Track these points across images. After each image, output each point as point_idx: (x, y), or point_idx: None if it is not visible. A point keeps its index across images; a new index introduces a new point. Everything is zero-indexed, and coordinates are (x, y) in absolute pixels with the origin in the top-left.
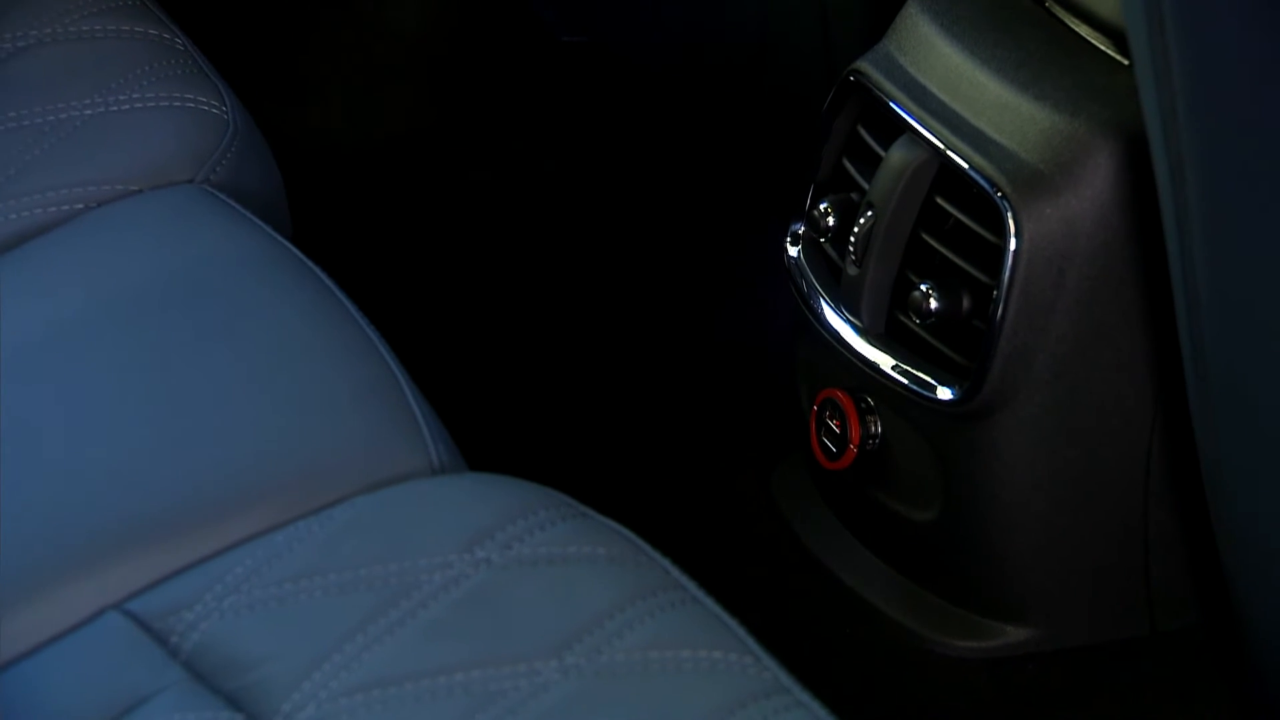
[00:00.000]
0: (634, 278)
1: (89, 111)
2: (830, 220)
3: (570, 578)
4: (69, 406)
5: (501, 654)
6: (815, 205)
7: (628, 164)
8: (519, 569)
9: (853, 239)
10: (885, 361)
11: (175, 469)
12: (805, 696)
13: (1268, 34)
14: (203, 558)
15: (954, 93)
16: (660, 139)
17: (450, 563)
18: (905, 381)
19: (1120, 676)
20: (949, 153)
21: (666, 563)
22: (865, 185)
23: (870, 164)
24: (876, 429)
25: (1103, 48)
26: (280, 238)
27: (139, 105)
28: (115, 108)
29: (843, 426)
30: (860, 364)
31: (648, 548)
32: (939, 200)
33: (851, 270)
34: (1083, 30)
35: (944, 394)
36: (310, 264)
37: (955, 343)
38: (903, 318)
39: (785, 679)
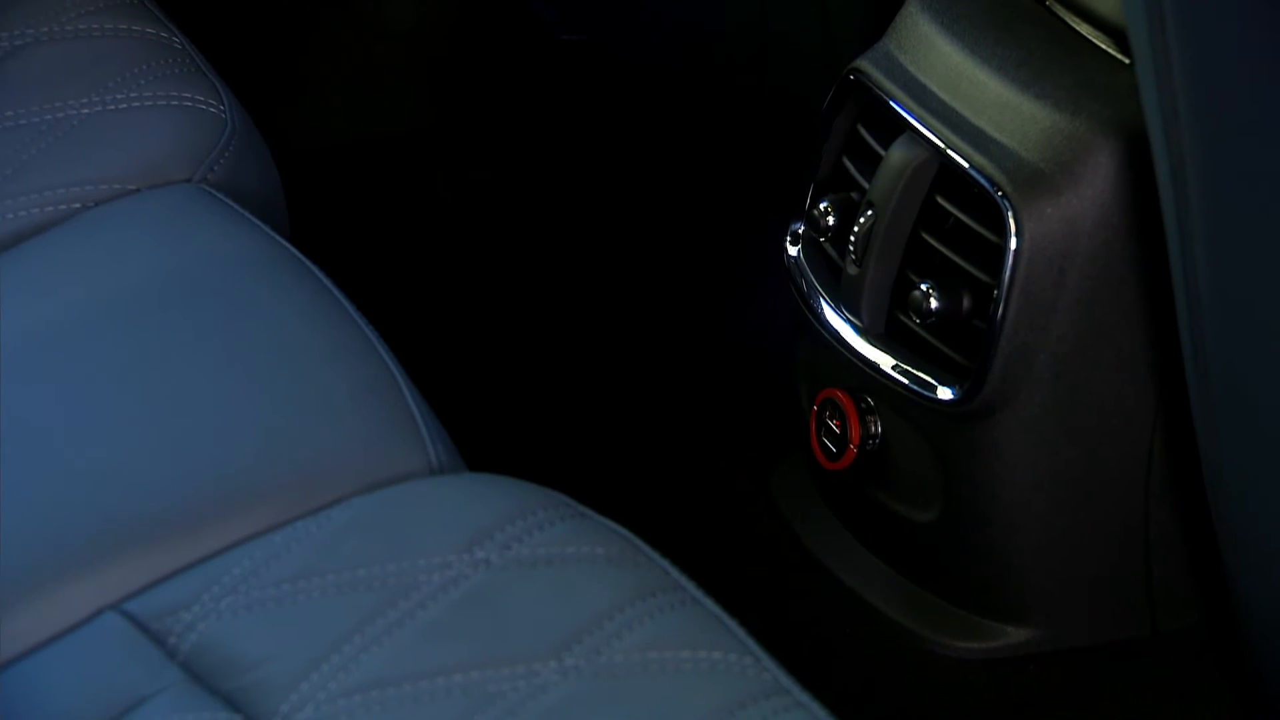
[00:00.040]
0: (634, 277)
1: (86, 110)
2: (830, 220)
3: (569, 578)
4: (66, 406)
5: (500, 655)
6: (815, 204)
7: (627, 163)
8: (518, 569)
9: (853, 238)
10: (885, 361)
11: (174, 469)
12: (805, 697)
13: (1268, 34)
14: (201, 558)
15: (954, 92)
16: (660, 139)
17: (449, 563)
18: (905, 381)
19: (1121, 677)
20: (949, 152)
21: (666, 563)
22: (865, 184)
23: (870, 163)
24: (876, 429)
25: (1103, 46)
26: (278, 237)
27: (137, 104)
28: (113, 107)
29: (843, 426)
30: (860, 364)
31: (647, 548)
32: (939, 199)
33: (851, 270)
34: (1083, 29)
35: (944, 394)
36: (308, 263)
37: (955, 342)
38: (903, 317)
39: (785, 680)
